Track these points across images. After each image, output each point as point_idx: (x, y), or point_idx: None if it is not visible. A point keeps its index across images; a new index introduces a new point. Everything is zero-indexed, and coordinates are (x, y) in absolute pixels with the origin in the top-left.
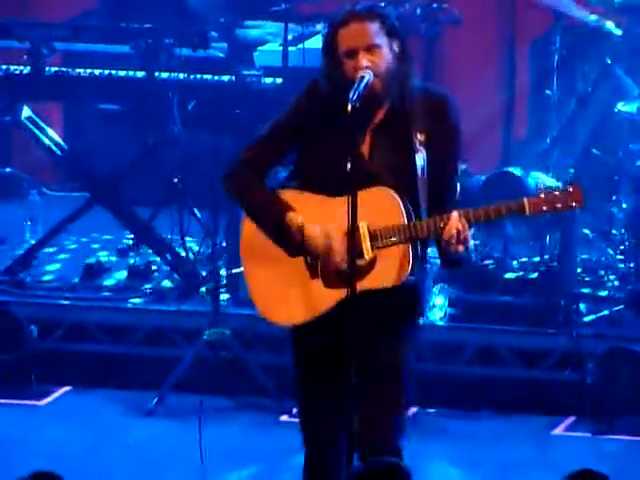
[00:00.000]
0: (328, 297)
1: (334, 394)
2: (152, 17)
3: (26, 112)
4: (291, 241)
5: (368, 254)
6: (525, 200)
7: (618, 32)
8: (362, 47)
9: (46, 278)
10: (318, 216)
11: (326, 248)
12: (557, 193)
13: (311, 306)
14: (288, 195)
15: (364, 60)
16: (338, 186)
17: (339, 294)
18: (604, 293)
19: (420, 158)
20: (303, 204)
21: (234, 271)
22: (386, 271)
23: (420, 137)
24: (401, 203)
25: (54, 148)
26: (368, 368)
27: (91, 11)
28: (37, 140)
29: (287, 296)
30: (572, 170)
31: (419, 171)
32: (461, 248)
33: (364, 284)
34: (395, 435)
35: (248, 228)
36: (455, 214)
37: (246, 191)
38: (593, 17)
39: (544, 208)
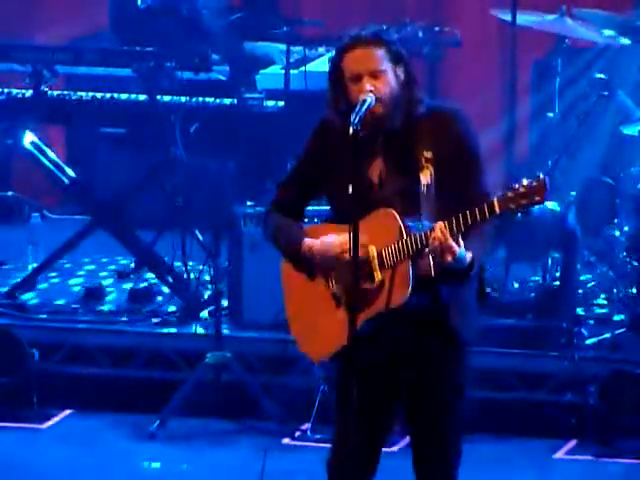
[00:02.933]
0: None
1: (368, 417)
2: (168, 41)
3: (28, 136)
4: (307, 265)
5: (377, 277)
6: (495, 200)
7: (627, 41)
8: (366, 72)
9: (48, 301)
10: None
11: (332, 256)
12: (522, 190)
13: (338, 336)
14: (311, 228)
15: (368, 84)
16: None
17: (364, 318)
18: (606, 316)
19: (426, 175)
20: (323, 234)
21: None
22: (392, 292)
23: (426, 154)
24: (400, 221)
25: (56, 171)
26: (420, 416)
27: (103, 33)
28: (39, 163)
29: (318, 329)
30: (574, 193)
31: (423, 189)
32: (449, 257)
33: (376, 307)
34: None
35: (284, 268)
36: (438, 224)
37: (271, 231)
38: (598, 36)
39: (511, 205)
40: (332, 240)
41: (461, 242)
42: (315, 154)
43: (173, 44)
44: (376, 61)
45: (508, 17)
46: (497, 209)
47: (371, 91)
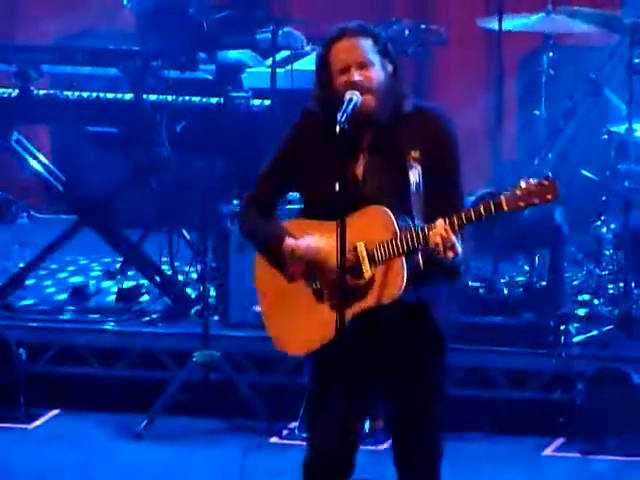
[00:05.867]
0: (332, 323)
1: (344, 410)
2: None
3: (14, 135)
4: (287, 267)
5: (367, 273)
6: (502, 197)
7: (616, 36)
8: (354, 63)
9: (35, 301)
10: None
11: (319, 262)
12: (533, 188)
13: (321, 332)
14: (290, 224)
15: (356, 74)
16: (335, 209)
17: (352, 314)
18: (593, 313)
19: (415, 174)
20: (304, 230)
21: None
22: (384, 288)
23: (414, 154)
24: (394, 218)
25: (42, 171)
26: (400, 411)
27: (89, 30)
28: (25, 163)
29: (299, 325)
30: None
31: (413, 187)
32: (450, 254)
33: (365, 303)
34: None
35: (259, 264)
36: (440, 221)
37: (249, 228)
38: (587, 29)
39: (521, 203)
40: (318, 245)
41: (460, 239)
42: (295, 147)
43: (161, 43)
44: (364, 52)
45: (494, 25)
46: (505, 206)
47: (359, 81)
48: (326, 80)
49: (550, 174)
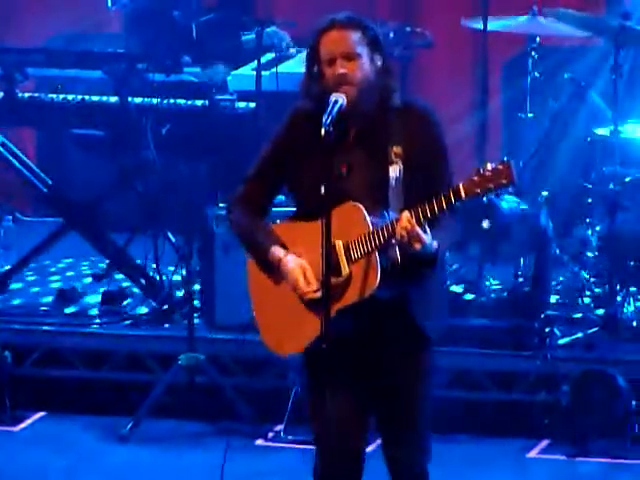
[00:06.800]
0: (317, 323)
1: (347, 408)
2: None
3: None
4: (274, 275)
5: (345, 271)
6: (460, 185)
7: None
8: (340, 54)
9: (20, 304)
10: (304, 241)
11: (294, 282)
12: (488, 173)
13: (309, 331)
14: (280, 226)
15: (340, 67)
16: (320, 208)
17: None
18: (578, 316)
19: (395, 170)
20: (292, 231)
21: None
22: (363, 283)
23: (396, 149)
24: (366, 214)
25: (28, 174)
26: (385, 410)
27: (65, 34)
28: (10, 166)
29: (286, 324)
30: (546, 193)
31: (392, 182)
32: (417, 245)
33: (346, 300)
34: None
35: (251, 265)
36: (405, 213)
37: (239, 229)
38: (573, 32)
39: (478, 190)
40: (296, 274)
41: (428, 229)
42: (284, 147)
43: (146, 46)
44: (351, 44)
45: (479, 25)
46: (463, 194)
47: (344, 74)
48: (316, 71)
49: (506, 158)
